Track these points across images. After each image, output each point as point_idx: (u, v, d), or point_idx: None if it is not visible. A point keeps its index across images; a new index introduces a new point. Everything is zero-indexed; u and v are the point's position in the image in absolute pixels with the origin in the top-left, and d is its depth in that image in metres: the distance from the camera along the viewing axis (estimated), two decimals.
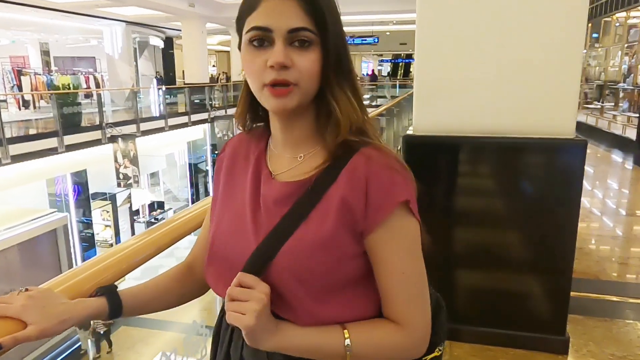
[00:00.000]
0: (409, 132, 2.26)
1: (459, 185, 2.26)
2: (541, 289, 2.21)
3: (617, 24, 10.51)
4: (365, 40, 22.19)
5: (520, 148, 2.11)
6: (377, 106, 11.36)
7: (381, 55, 34.43)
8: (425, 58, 2.15)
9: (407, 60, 34.06)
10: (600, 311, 2.59)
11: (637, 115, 8.41)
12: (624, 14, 9.84)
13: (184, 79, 18.99)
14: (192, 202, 14.84)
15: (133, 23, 17.52)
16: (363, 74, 31.15)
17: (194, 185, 15.92)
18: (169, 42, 21.84)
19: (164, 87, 15.39)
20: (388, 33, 24.15)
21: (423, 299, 0.73)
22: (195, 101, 15.44)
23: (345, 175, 0.70)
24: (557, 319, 2.18)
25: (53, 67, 18.17)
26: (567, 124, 2.03)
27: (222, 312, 0.80)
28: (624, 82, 10.01)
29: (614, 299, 2.78)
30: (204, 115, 15.29)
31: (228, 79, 21.39)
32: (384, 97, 18.29)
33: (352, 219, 0.69)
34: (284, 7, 0.67)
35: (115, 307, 0.75)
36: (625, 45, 10.27)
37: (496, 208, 2.24)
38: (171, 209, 14.56)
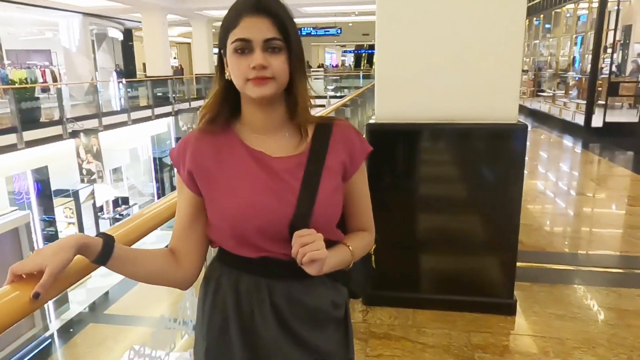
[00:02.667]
0: (372, 120, 2.46)
1: (416, 167, 2.48)
2: (492, 260, 2.46)
3: (568, 15, 11.03)
4: (328, 31, 22.23)
5: (469, 133, 2.34)
6: (341, 97, 11.55)
7: (344, 46, 34.63)
8: (385, 50, 2.35)
9: (369, 51, 34.36)
10: (545, 278, 2.88)
11: (585, 102, 8.92)
12: (572, 5, 10.35)
13: (144, 71, 18.62)
14: (158, 197, 14.64)
15: (90, 14, 17.03)
16: (328, 65, 31.36)
17: (159, 179, 15.73)
18: (128, 34, 21.27)
19: (124, 80, 15.08)
20: (351, 24, 24.30)
21: (371, 211, 1.12)
22: (158, 94, 15.23)
23: (334, 142, 1.01)
24: (505, 285, 2.44)
25: (6, 61, 17.47)
26: (509, 110, 2.26)
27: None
28: (573, 70, 10.56)
29: (557, 267, 3.08)
30: (168, 109, 15.10)
31: (181, 71, 21.43)
32: (349, 87, 18.55)
33: (344, 171, 1.02)
34: (259, 22, 0.91)
35: (107, 248, 0.86)
36: (574, 35, 10.82)
37: (449, 188, 2.47)
38: (136, 204, 14.35)
